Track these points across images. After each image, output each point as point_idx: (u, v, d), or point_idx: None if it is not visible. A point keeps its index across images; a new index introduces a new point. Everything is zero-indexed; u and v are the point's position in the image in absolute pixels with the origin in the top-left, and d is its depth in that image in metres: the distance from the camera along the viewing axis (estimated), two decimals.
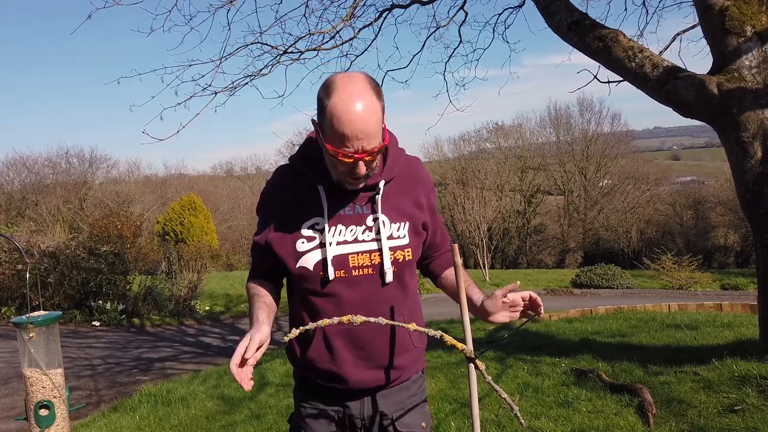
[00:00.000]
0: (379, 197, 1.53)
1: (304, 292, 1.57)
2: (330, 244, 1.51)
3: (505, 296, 1.54)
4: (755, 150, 4.01)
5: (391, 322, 1.41)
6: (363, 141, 1.36)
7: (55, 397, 2.05)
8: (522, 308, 1.56)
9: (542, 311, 1.53)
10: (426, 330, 1.45)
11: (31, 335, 1.99)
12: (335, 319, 1.38)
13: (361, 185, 1.50)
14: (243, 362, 1.36)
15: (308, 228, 1.53)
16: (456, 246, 1.53)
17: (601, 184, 33.78)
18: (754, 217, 4.12)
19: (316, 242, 1.52)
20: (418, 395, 1.67)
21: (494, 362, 5.12)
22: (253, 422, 4.28)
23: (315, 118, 1.47)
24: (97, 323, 10.63)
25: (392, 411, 1.62)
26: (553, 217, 34.38)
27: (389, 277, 1.53)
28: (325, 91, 1.39)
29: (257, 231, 1.64)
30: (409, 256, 1.57)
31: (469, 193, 26.84)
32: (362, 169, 1.42)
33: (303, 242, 1.53)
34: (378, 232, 1.53)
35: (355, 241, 1.53)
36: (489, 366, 4.87)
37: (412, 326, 1.42)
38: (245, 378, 1.36)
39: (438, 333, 1.41)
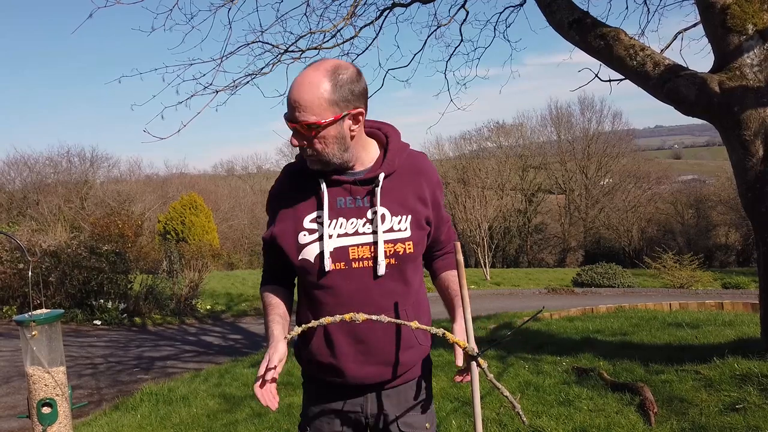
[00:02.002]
0: (378, 189, 1.53)
1: (306, 286, 1.59)
2: (330, 236, 1.52)
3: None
4: (757, 148, 4.00)
5: (393, 320, 1.41)
6: (295, 111, 1.43)
7: (57, 395, 2.06)
8: None
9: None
10: (428, 328, 1.45)
11: (33, 333, 1.99)
12: (337, 317, 1.40)
13: (316, 167, 1.51)
14: (264, 382, 1.42)
15: (310, 221, 1.55)
16: (458, 244, 1.53)
17: (602, 182, 33.77)
18: (755, 215, 4.11)
19: (317, 235, 1.54)
20: (424, 394, 1.66)
21: (495, 361, 5.12)
22: (254, 421, 4.28)
23: None
24: (98, 322, 10.64)
25: (396, 410, 1.62)
26: (554, 216, 34.37)
27: (381, 270, 1.52)
28: None
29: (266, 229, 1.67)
30: (410, 249, 1.56)
31: (470, 192, 26.83)
32: (293, 140, 1.49)
33: (305, 234, 1.54)
34: (378, 225, 1.54)
35: (356, 233, 1.54)
36: (490, 365, 4.87)
37: (414, 324, 1.42)
38: (268, 396, 1.43)
39: (440, 331, 1.41)
